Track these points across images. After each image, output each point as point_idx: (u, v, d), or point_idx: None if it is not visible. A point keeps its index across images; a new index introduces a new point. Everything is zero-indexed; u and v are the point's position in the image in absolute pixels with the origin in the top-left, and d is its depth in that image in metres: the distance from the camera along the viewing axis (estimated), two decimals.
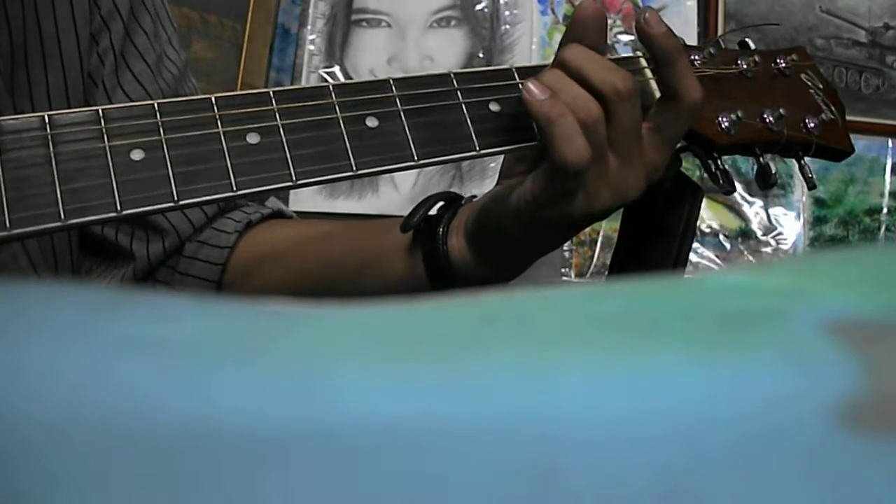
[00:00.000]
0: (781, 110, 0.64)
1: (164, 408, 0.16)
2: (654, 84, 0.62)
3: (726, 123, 0.62)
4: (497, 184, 0.64)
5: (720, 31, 1.68)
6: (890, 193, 1.71)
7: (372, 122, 0.54)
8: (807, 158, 0.66)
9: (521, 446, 0.15)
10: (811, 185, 0.66)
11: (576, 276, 1.60)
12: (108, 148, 0.48)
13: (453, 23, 1.66)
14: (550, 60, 0.58)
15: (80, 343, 0.18)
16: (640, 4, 1.69)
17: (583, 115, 0.54)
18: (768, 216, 1.67)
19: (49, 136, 0.47)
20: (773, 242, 1.66)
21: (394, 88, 0.56)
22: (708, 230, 1.65)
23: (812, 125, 0.65)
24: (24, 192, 0.46)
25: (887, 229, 1.71)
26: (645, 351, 0.17)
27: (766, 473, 0.15)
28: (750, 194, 1.66)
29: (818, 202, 1.69)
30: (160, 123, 0.50)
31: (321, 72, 1.61)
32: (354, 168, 0.53)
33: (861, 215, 1.70)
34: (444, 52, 1.64)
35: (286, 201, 1.49)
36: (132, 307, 0.20)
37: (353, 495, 0.15)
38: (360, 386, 0.16)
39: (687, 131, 0.60)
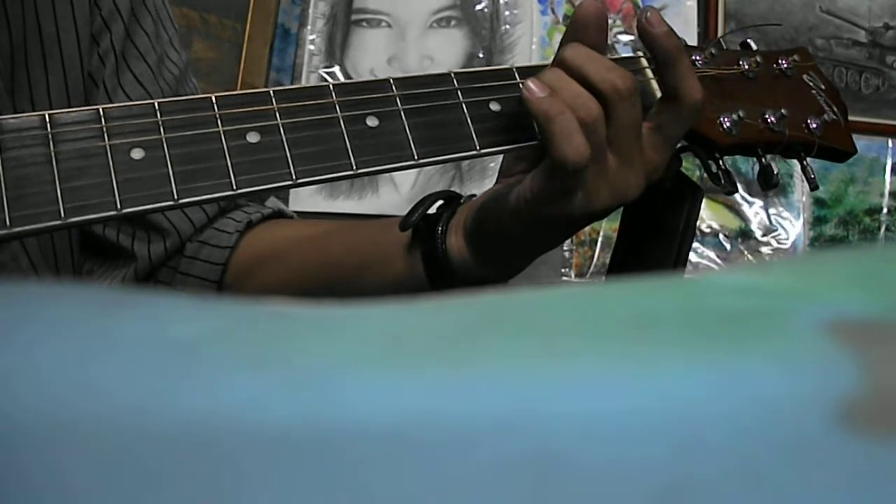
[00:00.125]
0: (783, 111, 0.64)
1: (167, 408, 0.16)
2: (654, 84, 0.62)
3: (728, 124, 0.62)
4: (496, 182, 0.64)
5: (720, 32, 1.68)
6: (890, 193, 1.71)
7: (372, 122, 0.54)
8: (809, 159, 0.66)
9: (521, 445, 0.15)
10: (813, 186, 0.66)
11: (576, 276, 1.60)
12: (108, 146, 0.48)
13: (453, 23, 1.66)
14: (550, 60, 0.58)
15: (88, 344, 0.18)
16: (641, 4, 1.70)
17: (582, 114, 0.54)
18: (768, 216, 1.67)
19: (49, 135, 0.48)
20: (773, 242, 1.67)
21: (394, 88, 0.56)
22: (708, 230, 1.65)
23: (814, 126, 0.65)
24: (25, 191, 0.46)
25: (887, 229, 1.71)
26: (645, 350, 0.18)
27: (764, 473, 0.15)
28: (750, 194, 1.66)
29: (818, 202, 1.69)
30: (160, 122, 0.50)
31: (321, 72, 1.61)
32: (354, 167, 0.53)
33: (861, 215, 1.70)
34: (444, 53, 1.64)
35: (286, 201, 1.49)
36: (135, 308, 0.20)
37: (355, 493, 0.15)
38: (363, 385, 0.17)
39: (688, 131, 0.60)
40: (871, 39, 1.75)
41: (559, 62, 0.56)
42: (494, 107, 0.58)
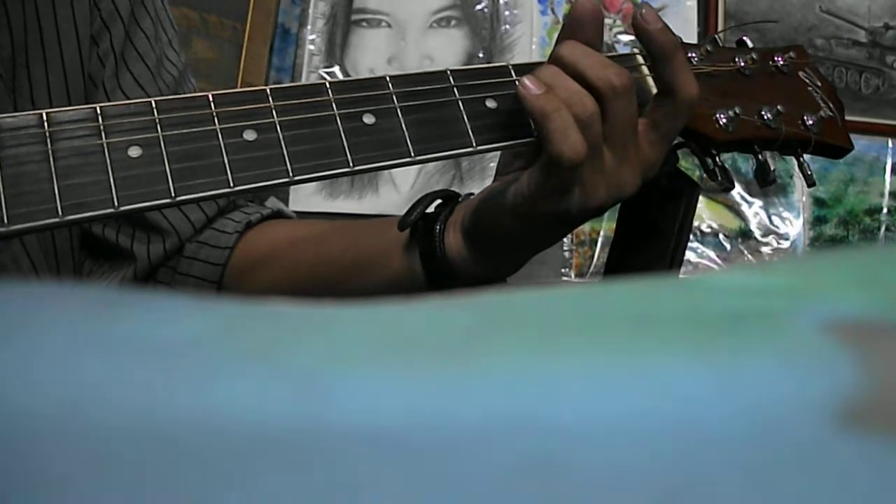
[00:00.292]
0: (779, 107, 0.64)
1: (167, 408, 0.16)
2: (650, 81, 0.62)
3: (724, 120, 0.62)
4: (493, 180, 0.64)
5: (720, 31, 1.68)
6: (890, 193, 1.71)
7: (368, 119, 0.55)
8: (806, 156, 0.66)
9: (522, 446, 0.15)
10: (810, 183, 0.66)
11: (576, 276, 1.60)
12: (105, 144, 0.49)
13: (453, 23, 1.66)
14: None
15: (86, 344, 0.18)
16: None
17: (578, 111, 0.54)
18: (768, 216, 1.67)
19: (47, 133, 0.48)
20: (773, 242, 1.66)
21: (390, 85, 0.56)
22: (708, 230, 1.65)
23: (811, 122, 0.65)
24: (22, 189, 0.46)
25: (887, 229, 1.71)
26: (645, 350, 0.18)
27: (765, 473, 0.15)
28: (750, 194, 1.66)
29: (818, 202, 1.69)
30: (157, 120, 0.50)
31: (321, 72, 1.61)
32: (351, 164, 0.53)
33: (861, 215, 1.70)
34: (444, 53, 1.64)
35: (286, 201, 1.49)
36: (134, 308, 0.20)
37: (355, 494, 0.15)
38: (363, 385, 0.17)
39: (685, 128, 0.60)
40: (871, 39, 1.75)
41: (555, 59, 0.56)
42: (491, 104, 0.58)
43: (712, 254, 1.64)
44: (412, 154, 0.55)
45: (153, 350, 0.18)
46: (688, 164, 0.65)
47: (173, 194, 0.49)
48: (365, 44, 1.64)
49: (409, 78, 0.57)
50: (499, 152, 0.63)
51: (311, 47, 1.62)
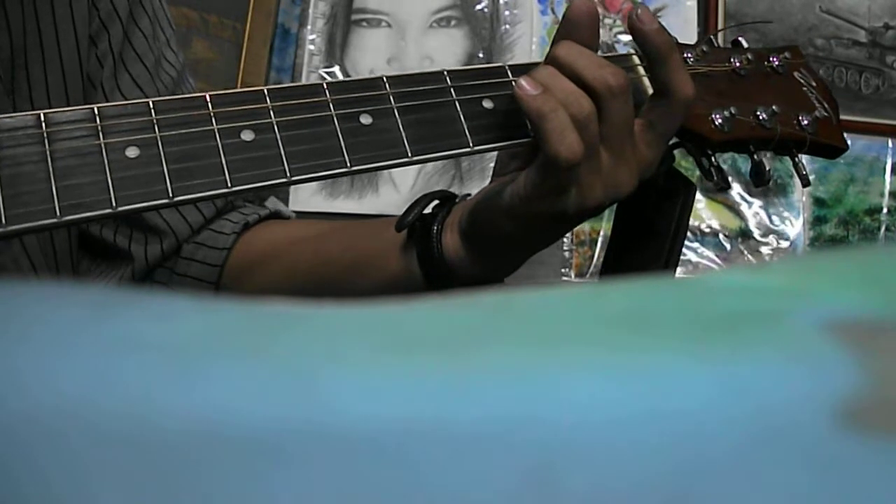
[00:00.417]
0: (775, 107, 0.64)
1: (163, 407, 0.16)
2: (646, 81, 0.62)
3: (720, 120, 0.62)
4: (490, 181, 0.64)
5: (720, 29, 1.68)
6: (890, 193, 1.71)
7: (366, 120, 0.55)
8: (803, 156, 0.67)
9: (521, 447, 0.15)
10: (805, 183, 0.66)
11: (576, 276, 1.60)
12: (103, 145, 0.49)
13: (453, 23, 1.66)
14: None
15: (79, 343, 0.18)
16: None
17: (575, 111, 0.54)
18: (768, 216, 1.67)
19: (45, 134, 0.48)
20: (773, 242, 1.66)
21: (387, 86, 0.56)
22: (708, 230, 1.65)
23: (806, 122, 0.65)
24: (20, 189, 0.46)
25: (887, 229, 1.70)
26: (646, 351, 0.18)
27: (766, 473, 0.15)
28: (750, 194, 1.66)
29: (818, 202, 1.69)
30: (155, 121, 0.50)
31: (321, 72, 1.61)
32: (349, 164, 0.53)
33: (861, 215, 1.70)
34: (444, 53, 1.64)
35: (286, 201, 1.49)
36: (131, 307, 0.20)
37: (351, 496, 0.15)
38: (360, 386, 0.16)
39: (680, 128, 0.61)
40: (871, 39, 1.75)
41: (551, 60, 0.57)
42: (487, 104, 0.58)
43: (712, 254, 1.64)
44: (409, 154, 0.55)
45: (148, 350, 0.17)
46: (687, 165, 0.65)
47: (171, 195, 0.49)
48: (365, 44, 1.64)
49: (406, 78, 0.57)
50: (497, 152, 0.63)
51: (311, 47, 1.62)
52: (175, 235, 0.75)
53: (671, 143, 0.62)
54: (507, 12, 1.67)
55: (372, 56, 1.63)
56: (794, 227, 1.67)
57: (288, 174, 0.52)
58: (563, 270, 1.59)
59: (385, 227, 0.67)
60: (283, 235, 0.76)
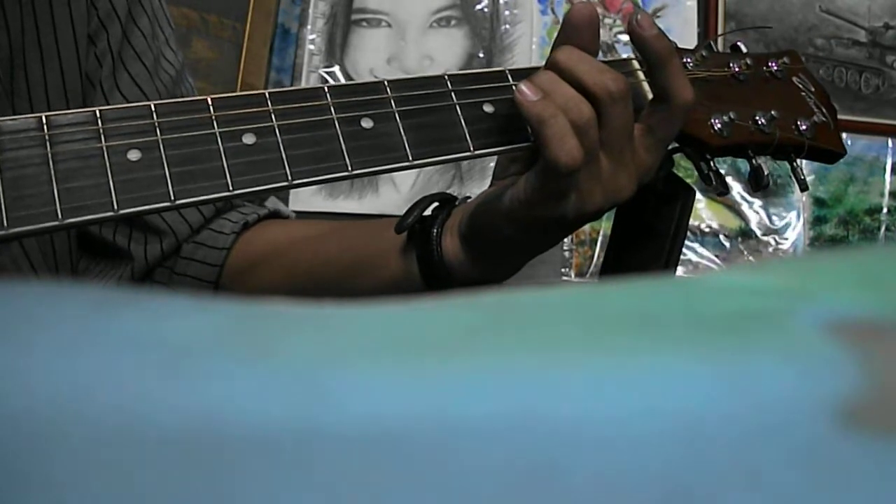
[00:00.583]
0: (773, 112, 0.64)
1: (166, 407, 0.16)
2: (646, 86, 0.62)
3: (719, 125, 0.63)
4: (490, 185, 0.64)
5: (720, 31, 1.68)
6: (890, 193, 1.71)
7: (367, 123, 0.55)
8: (800, 160, 0.67)
9: (522, 446, 0.15)
10: (803, 188, 0.66)
11: (576, 276, 1.60)
12: (105, 148, 0.49)
13: (453, 23, 1.66)
14: None
15: (79, 342, 0.18)
16: (641, 5, 1.70)
17: (575, 116, 0.54)
18: (768, 216, 1.67)
19: (46, 137, 0.48)
20: (773, 242, 1.66)
21: (388, 90, 0.56)
22: (708, 230, 1.65)
23: (804, 127, 0.65)
24: (22, 192, 0.46)
25: (887, 229, 1.70)
26: (646, 350, 0.18)
27: (766, 473, 0.15)
28: (750, 194, 1.66)
29: (818, 202, 1.69)
30: (157, 124, 0.50)
31: (321, 72, 1.61)
32: (350, 168, 0.53)
33: (861, 215, 1.70)
34: (444, 52, 1.64)
35: (286, 201, 1.49)
36: (131, 306, 0.20)
37: (352, 495, 0.15)
38: (361, 385, 0.16)
39: (680, 133, 0.61)
40: (871, 39, 1.75)
41: (551, 65, 0.57)
42: (488, 108, 0.58)
43: (712, 254, 1.65)
44: (410, 158, 0.55)
45: (149, 349, 0.17)
46: (687, 166, 0.66)
47: (173, 198, 0.49)
48: (365, 44, 1.64)
49: (407, 82, 0.57)
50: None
51: (311, 47, 1.62)
52: (174, 235, 0.75)
53: (670, 147, 0.62)
54: (507, 12, 1.67)
55: (372, 56, 1.63)
56: (794, 227, 1.68)
57: (289, 178, 0.52)
58: (563, 270, 1.60)
59: (385, 228, 0.67)
60: (282, 235, 0.76)
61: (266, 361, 0.17)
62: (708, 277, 0.23)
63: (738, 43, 0.68)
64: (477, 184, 1.57)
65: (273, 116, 0.53)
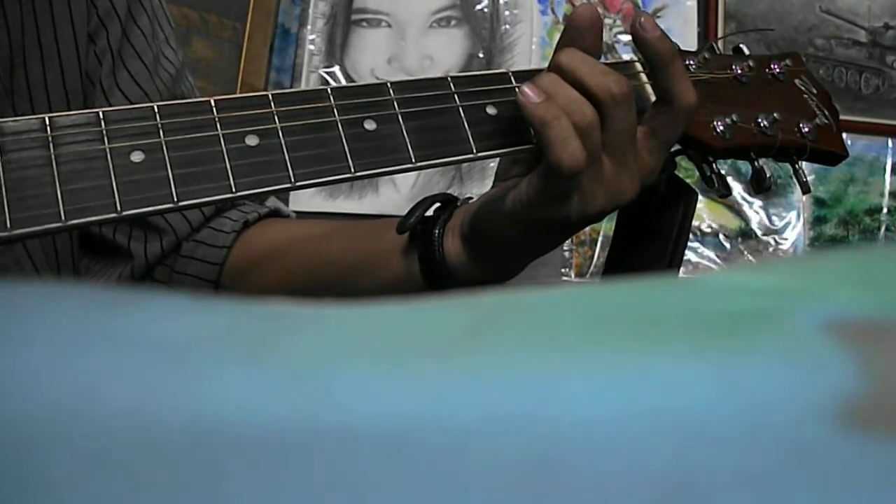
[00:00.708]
0: (776, 115, 0.64)
1: (166, 407, 0.16)
2: (649, 88, 0.62)
3: (721, 127, 0.63)
4: (493, 186, 0.64)
5: (720, 32, 1.68)
6: (890, 193, 1.71)
7: (370, 125, 0.55)
8: (802, 162, 0.67)
9: (521, 446, 0.15)
10: (805, 190, 0.66)
11: (576, 276, 1.60)
12: (108, 150, 0.49)
13: (453, 23, 1.66)
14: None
15: (81, 342, 0.18)
16: (641, 5, 1.70)
17: (577, 119, 0.54)
18: (768, 216, 1.67)
19: (49, 138, 0.48)
20: (773, 242, 1.67)
21: (391, 92, 0.56)
22: (708, 230, 1.65)
23: (806, 129, 0.65)
24: (25, 193, 0.46)
25: (887, 229, 1.71)
26: (645, 350, 0.17)
27: (765, 473, 0.15)
28: (750, 194, 1.66)
29: (818, 202, 1.69)
30: (160, 125, 0.50)
31: (321, 72, 1.61)
32: (353, 170, 0.53)
33: (861, 215, 1.70)
34: (444, 53, 1.64)
35: (286, 201, 1.49)
36: (134, 306, 0.20)
37: (354, 494, 0.15)
38: (362, 385, 0.16)
39: (682, 135, 0.61)
40: (871, 39, 1.75)
41: (554, 67, 0.57)
42: (491, 110, 0.58)
43: (712, 254, 1.65)
44: (413, 160, 0.55)
45: (150, 350, 0.17)
46: (688, 167, 0.66)
47: (175, 199, 0.49)
48: (365, 44, 1.64)
49: (410, 84, 0.57)
50: None
51: (311, 47, 1.62)
52: (175, 233, 0.75)
53: (673, 150, 0.62)
54: (507, 12, 1.67)
55: (372, 56, 1.63)
56: (794, 227, 1.68)
57: (292, 179, 0.52)
58: (563, 270, 1.60)
59: (386, 228, 0.67)
60: (283, 235, 0.76)
61: (266, 361, 0.17)
62: (708, 277, 0.23)
63: (741, 45, 0.68)
64: (477, 184, 1.57)
65: (276, 118, 0.53)
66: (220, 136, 0.51)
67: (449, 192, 0.69)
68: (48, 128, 0.48)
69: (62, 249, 0.69)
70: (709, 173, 0.63)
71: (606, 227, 1.59)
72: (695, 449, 0.15)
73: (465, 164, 1.59)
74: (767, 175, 0.64)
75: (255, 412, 0.16)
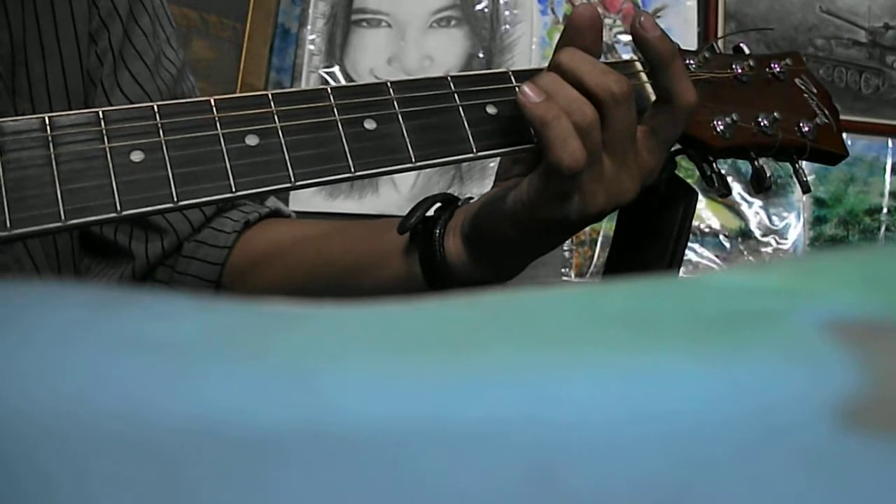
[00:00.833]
0: (776, 114, 0.64)
1: (163, 408, 0.16)
2: (649, 88, 0.62)
3: (721, 127, 0.63)
4: (493, 186, 0.64)
5: (720, 32, 1.68)
6: (890, 193, 1.71)
7: (370, 125, 0.55)
8: (802, 162, 0.67)
9: (520, 447, 0.15)
10: (805, 189, 0.66)
11: (576, 276, 1.60)
12: (108, 149, 0.49)
13: (453, 23, 1.66)
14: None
15: (79, 342, 0.18)
16: (641, 4, 1.70)
17: (578, 118, 0.54)
18: (768, 216, 1.67)
19: (49, 138, 0.48)
20: (773, 242, 1.66)
21: (391, 91, 0.56)
22: (708, 230, 1.65)
23: (806, 129, 0.65)
24: (25, 193, 0.46)
25: (887, 229, 1.70)
26: (645, 351, 0.17)
27: (766, 473, 0.15)
28: (750, 194, 1.66)
29: (818, 202, 1.69)
30: (160, 125, 0.50)
31: (321, 72, 1.61)
32: (353, 170, 0.53)
33: (861, 215, 1.70)
34: (444, 53, 1.64)
35: (286, 201, 1.49)
36: (131, 306, 0.20)
37: (351, 496, 0.15)
38: (360, 386, 0.16)
39: (682, 135, 0.61)
40: (871, 39, 1.75)
41: (554, 66, 0.57)
42: (491, 110, 0.58)
43: (712, 254, 1.65)
44: (413, 160, 0.55)
45: (148, 350, 0.17)
46: (689, 167, 0.66)
47: (175, 199, 0.49)
48: (365, 44, 1.63)
49: (410, 84, 0.57)
50: None
51: (311, 47, 1.62)
52: (176, 233, 0.75)
53: (673, 149, 0.62)
54: (507, 12, 1.67)
55: (372, 56, 1.63)
56: (794, 227, 1.68)
57: (292, 179, 0.52)
58: (563, 270, 1.60)
59: (387, 228, 0.67)
60: (284, 235, 0.76)
61: (265, 362, 0.17)
62: (708, 277, 0.23)
63: (741, 44, 0.68)
64: (477, 184, 1.57)
65: (276, 118, 0.53)
66: (220, 135, 0.51)
67: (449, 192, 0.69)
68: (48, 127, 0.48)
69: (63, 249, 0.69)
70: (709, 173, 0.63)
71: (606, 227, 1.58)
72: (696, 450, 0.15)
73: (465, 164, 1.59)
74: (767, 175, 0.64)
75: (251, 413, 0.16)
